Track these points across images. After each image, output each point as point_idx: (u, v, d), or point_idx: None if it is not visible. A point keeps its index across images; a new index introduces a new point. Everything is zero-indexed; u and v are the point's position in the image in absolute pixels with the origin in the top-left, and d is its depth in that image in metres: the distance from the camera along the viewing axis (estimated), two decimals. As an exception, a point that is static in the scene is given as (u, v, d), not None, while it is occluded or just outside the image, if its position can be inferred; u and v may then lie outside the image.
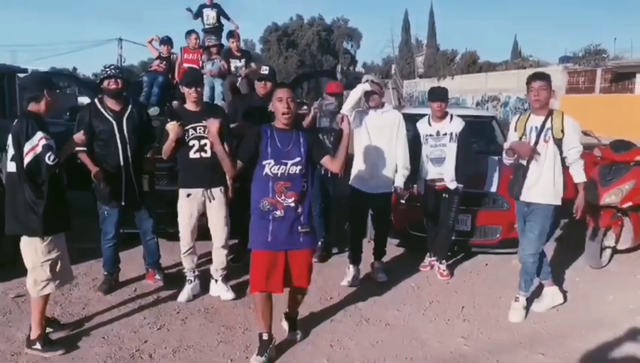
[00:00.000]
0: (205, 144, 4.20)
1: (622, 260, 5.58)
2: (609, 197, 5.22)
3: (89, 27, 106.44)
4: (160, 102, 6.70)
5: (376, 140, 4.73)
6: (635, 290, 4.83)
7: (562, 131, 3.96)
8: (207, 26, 7.64)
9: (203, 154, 4.22)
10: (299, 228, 3.39)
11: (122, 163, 4.35)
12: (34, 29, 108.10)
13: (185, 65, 6.97)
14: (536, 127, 4.04)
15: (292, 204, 3.36)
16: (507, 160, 4.23)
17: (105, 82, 4.28)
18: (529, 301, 4.32)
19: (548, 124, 4.00)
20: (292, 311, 3.82)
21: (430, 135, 4.97)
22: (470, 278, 5.10)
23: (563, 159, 4.05)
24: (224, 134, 3.63)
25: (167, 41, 7.20)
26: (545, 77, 4.02)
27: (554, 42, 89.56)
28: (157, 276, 4.77)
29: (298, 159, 3.37)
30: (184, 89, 4.30)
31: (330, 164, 3.50)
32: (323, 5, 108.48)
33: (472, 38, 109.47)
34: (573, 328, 4.02)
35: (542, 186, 4.04)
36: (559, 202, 4.08)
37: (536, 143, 4.02)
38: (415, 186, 5.10)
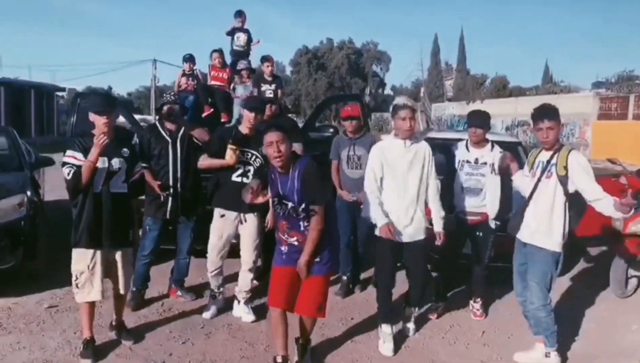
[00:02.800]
0: (249, 171, 4.35)
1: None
2: (635, 226, 5.18)
3: (124, 48, 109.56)
4: (192, 121, 6.89)
5: (409, 178, 3.98)
6: (661, 320, 4.76)
7: (565, 167, 3.64)
8: (236, 47, 7.86)
9: (245, 180, 4.31)
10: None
11: (171, 179, 4.61)
12: (72, 49, 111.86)
13: (213, 82, 7.24)
14: (542, 162, 3.79)
15: (295, 243, 3.46)
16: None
17: (165, 108, 4.69)
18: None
19: (554, 160, 3.73)
20: (302, 337, 3.72)
21: (467, 161, 4.55)
22: (491, 303, 5.09)
23: (567, 201, 3.71)
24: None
25: (189, 58, 7.38)
26: (554, 116, 3.69)
27: (586, 67, 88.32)
28: (179, 293, 4.92)
29: (292, 204, 3.40)
30: (245, 112, 4.44)
31: (315, 219, 3.35)
32: (353, 29, 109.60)
33: (502, 63, 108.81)
34: (595, 357, 3.99)
35: (536, 226, 3.76)
36: (556, 249, 3.71)
37: (539, 178, 3.77)
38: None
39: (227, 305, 4.63)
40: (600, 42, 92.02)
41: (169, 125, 4.71)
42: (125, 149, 3.83)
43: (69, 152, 3.65)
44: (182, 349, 3.95)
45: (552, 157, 3.74)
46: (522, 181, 3.98)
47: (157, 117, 4.91)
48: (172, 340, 4.08)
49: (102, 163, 3.64)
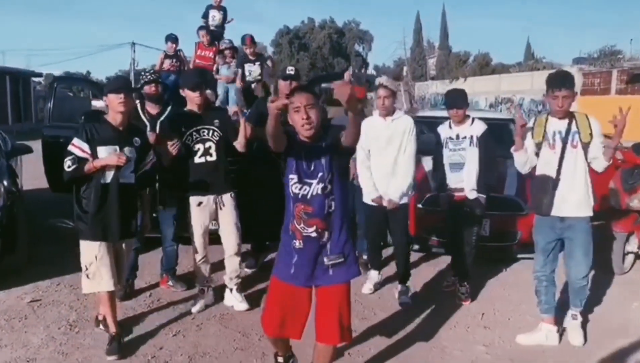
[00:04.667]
0: (210, 147, 4.13)
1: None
2: (632, 201, 5.10)
3: (101, 31, 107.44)
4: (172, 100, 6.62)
5: (386, 152, 4.43)
6: (660, 296, 4.71)
7: (591, 134, 3.58)
8: (212, 27, 7.58)
9: (208, 158, 4.14)
10: (325, 260, 2.74)
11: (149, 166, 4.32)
12: (48, 33, 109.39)
13: (198, 61, 6.97)
14: (560, 132, 3.64)
15: (314, 234, 2.72)
16: (518, 155, 3.75)
17: (146, 87, 4.41)
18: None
19: (574, 128, 3.62)
20: None
21: (450, 138, 4.60)
22: (489, 284, 5.00)
23: (588, 164, 3.66)
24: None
25: (174, 39, 7.06)
26: (571, 84, 3.58)
27: (568, 43, 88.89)
28: (170, 283, 4.74)
29: (321, 174, 2.72)
30: (187, 93, 4.17)
31: (346, 137, 2.68)
32: (334, 8, 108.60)
33: (484, 40, 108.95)
34: (596, 337, 3.91)
35: (576, 197, 3.63)
36: (591, 213, 3.69)
37: (563, 149, 3.61)
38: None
39: (216, 298, 4.45)
40: (581, 17, 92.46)
41: (150, 107, 4.47)
42: (136, 138, 3.66)
43: (75, 140, 3.49)
44: (172, 342, 3.78)
45: (570, 125, 3.62)
46: (523, 158, 3.75)
47: (137, 99, 4.56)
48: (162, 333, 3.91)
49: (112, 150, 3.49)
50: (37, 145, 6.27)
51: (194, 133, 4.14)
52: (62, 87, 6.60)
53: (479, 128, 4.56)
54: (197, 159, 4.17)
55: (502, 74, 32.77)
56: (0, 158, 5.57)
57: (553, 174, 3.65)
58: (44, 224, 6.44)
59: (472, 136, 4.53)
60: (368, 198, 4.54)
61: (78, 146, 3.45)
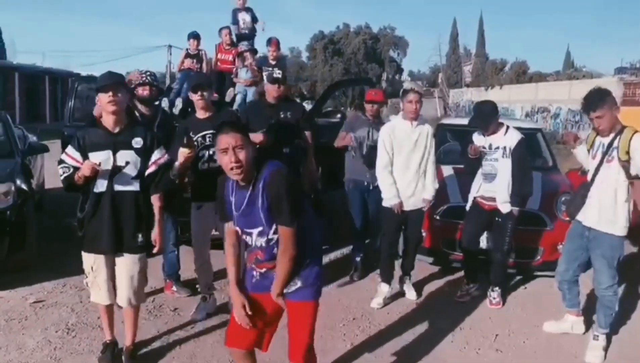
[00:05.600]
0: (214, 154, 3.92)
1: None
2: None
3: (139, 34, 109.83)
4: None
5: (412, 157, 4.46)
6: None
7: (628, 152, 3.50)
8: (242, 31, 7.45)
9: (212, 164, 3.94)
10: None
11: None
12: (87, 35, 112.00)
13: (219, 65, 6.84)
14: (603, 145, 3.67)
15: (266, 272, 2.62)
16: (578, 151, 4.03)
17: (140, 89, 4.20)
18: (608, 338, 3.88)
19: (615, 143, 3.58)
20: None
21: (483, 147, 4.51)
22: (505, 303, 4.71)
23: (630, 184, 3.62)
24: None
25: (195, 36, 6.79)
26: (600, 103, 3.55)
27: (609, 52, 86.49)
28: (174, 288, 4.63)
29: (260, 228, 2.52)
30: (191, 95, 4.06)
31: (281, 242, 2.50)
32: (370, 14, 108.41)
33: (522, 48, 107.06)
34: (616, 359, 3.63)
35: (598, 211, 3.66)
36: (622, 233, 3.64)
37: (600, 161, 3.66)
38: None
39: (219, 307, 4.30)
40: (623, 26, 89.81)
41: (144, 109, 4.26)
42: (137, 139, 3.27)
43: (68, 148, 3.27)
44: (169, 351, 3.67)
45: (613, 140, 3.61)
46: (583, 156, 3.95)
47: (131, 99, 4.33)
48: (159, 342, 3.79)
49: (104, 162, 3.18)
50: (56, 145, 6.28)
51: (200, 139, 4.02)
52: (85, 88, 6.59)
53: (514, 139, 4.43)
54: (202, 166, 4.04)
55: (539, 82, 31.99)
56: (15, 156, 5.59)
57: (588, 183, 3.76)
58: (60, 223, 6.44)
59: (505, 147, 4.42)
60: (389, 203, 4.48)
61: (70, 155, 3.23)
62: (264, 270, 2.63)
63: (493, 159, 4.46)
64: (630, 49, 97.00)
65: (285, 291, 2.58)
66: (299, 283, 2.58)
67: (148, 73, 4.28)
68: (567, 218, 4.17)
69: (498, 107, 4.65)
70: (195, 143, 3.96)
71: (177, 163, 3.77)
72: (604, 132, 3.63)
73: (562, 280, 3.98)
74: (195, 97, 4.02)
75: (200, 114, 4.10)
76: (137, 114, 4.23)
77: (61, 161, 3.27)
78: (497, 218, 4.51)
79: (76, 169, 3.19)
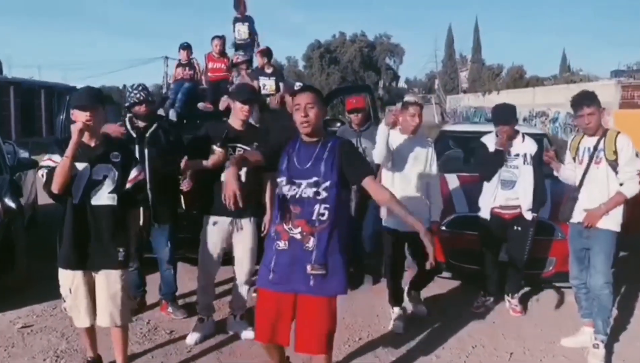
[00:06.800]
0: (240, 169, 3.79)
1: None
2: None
3: (135, 45, 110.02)
4: (183, 107, 6.39)
5: (412, 171, 4.09)
6: None
7: (615, 152, 3.60)
8: (238, 41, 7.31)
9: None
10: (308, 267, 2.67)
11: None
12: (82, 48, 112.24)
13: (210, 75, 6.73)
14: (589, 149, 3.74)
15: (298, 237, 2.69)
16: (561, 173, 4.04)
17: (136, 108, 4.08)
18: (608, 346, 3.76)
19: (601, 145, 3.67)
20: None
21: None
22: (519, 318, 4.50)
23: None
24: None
25: (186, 47, 6.76)
26: (594, 101, 3.68)
27: (605, 55, 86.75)
28: (170, 309, 4.40)
29: (315, 179, 2.69)
30: (237, 104, 3.90)
31: (376, 190, 2.80)
32: (366, 22, 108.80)
33: (518, 53, 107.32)
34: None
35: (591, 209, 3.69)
36: (616, 228, 3.67)
37: (588, 165, 3.72)
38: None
39: (216, 329, 4.08)
40: (619, 29, 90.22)
41: (140, 123, 4.15)
42: (115, 153, 3.21)
43: (45, 156, 3.19)
44: (164, 378, 3.45)
45: (598, 142, 3.68)
46: (569, 172, 3.95)
47: (126, 114, 4.31)
48: (153, 367, 3.58)
49: (81, 175, 3.11)
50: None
51: (230, 149, 3.84)
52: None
53: (532, 146, 4.46)
54: (223, 178, 3.82)
55: (536, 87, 31.92)
56: (4, 173, 5.38)
57: (574, 188, 3.84)
58: (53, 241, 6.21)
59: (525, 154, 4.40)
60: (395, 224, 4.00)
61: (49, 159, 3.15)
62: (298, 230, 2.69)
63: (513, 166, 4.40)
64: (626, 52, 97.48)
65: (311, 272, 2.67)
66: (321, 271, 2.67)
67: (141, 88, 4.12)
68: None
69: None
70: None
71: (205, 162, 3.81)
72: (591, 131, 3.69)
73: (579, 284, 3.88)
74: (243, 108, 3.87)
75: (237, 124, 3.92)
76: (129, 129, 4.10)
77: (41, 167, 3.16)
78: (516, 227, 4.43)
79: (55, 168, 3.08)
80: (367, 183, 2.74)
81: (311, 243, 2.68)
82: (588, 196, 3.72)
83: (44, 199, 7.36)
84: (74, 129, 3.02)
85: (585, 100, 3.68)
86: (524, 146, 4.42)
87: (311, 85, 3.26)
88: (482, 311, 4.53)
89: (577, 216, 3.78)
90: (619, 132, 3.69)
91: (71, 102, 3.18)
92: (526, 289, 5.03)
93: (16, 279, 4.80)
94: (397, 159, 4.09)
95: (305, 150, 2.77)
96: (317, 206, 2.68)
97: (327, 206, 2.68)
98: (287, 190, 2.73)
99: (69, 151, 3.00)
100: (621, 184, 3.62)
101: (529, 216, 4.40)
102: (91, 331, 3.34)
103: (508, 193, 4.40)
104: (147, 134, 4.10)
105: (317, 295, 2.69)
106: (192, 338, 3.92)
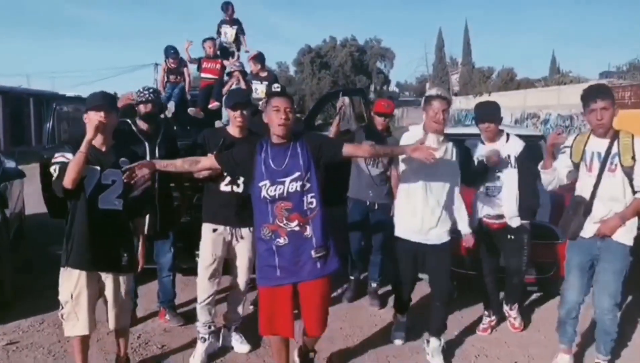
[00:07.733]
0: (238, 177, 3.65)
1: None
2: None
3: (124, 52, 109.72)
4: (179, 101, 6.54)
5: (434, 176, 3.56)
6: None
7: (634, 157, 3.16)
8: (224, 44, 7.21)
9: (235, 188, 3.67)
10: (312, 252, 2.94)
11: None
12: (72, 56, 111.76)
13: (203, 75, 6.70)
14: (599, 153, 3.26)
15: (297, 229, 2.93)
16: (545, 174, 3.54)
17: (142, 106, 4.05)
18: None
19: (614, 149, 3.22)
20: (306, 348, 3.37)
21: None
22: (525, 324, 4.38)
23: (634, 191, 3.25)
24: None
25: (172, 53, 6.69)
26: (608, 94, 3.23)
27: (594, 57, 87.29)
28: (168, 317, 4.35)
29: (297, 173, 2.94)
30: (229, 112, 3.81)
31: (356, 149, 3.29)
32: (356, 27, 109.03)
33: (508, 55, 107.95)
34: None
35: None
36: (630, 242, 3.30)
37: (600, 172, 3.25)
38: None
39: (218, 342, 3.92)
40: (607, 30, 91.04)
41: (143, 126, 4.08)
42: (124, 159, 3.21)
43: (57, 153, 3.17)
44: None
45: (611, 146, 3.23)
46: (549, 177, 3.52)
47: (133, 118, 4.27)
48: (145, 385, 3.44)
49: (91, 178, 3.12)
50: (33, 168, 5.91)
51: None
52: (65, 109, 6.32)
53: (517, 146, 4.03)
54: (223, 187, 3.71)
55: (527, 89, 32.02)
56: (-12, 184, 5.21)
57: (587, 199, 3.31)
58: (43, 252, 6.06)
59: (509, 156, 3.99)
60: (411, 235, 3.67)
61: (61, 155, 3.11)
62: (294, 223, 2.92)
63: (497, 170, 3.98)
64: (615, 53, 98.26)
65: (316, 255, 2.95)
66: (321, 252, 2.96)
67: (151, 90, 4.14)
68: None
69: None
70: None
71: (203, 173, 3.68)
72: (603, 129, 3.23)
73: (574, 306, 3.46)
74: (235, 115, 3.73)
75: (235, 132, 3.78)
76: (135, 130, 4.07)
77: (53, 163, 3.12)
78: (509, 236, 4.04)
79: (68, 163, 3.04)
80: (347, 149, 3.08)
81: (309, 230, 2.94)
82: (605, 210, 3.27)
83: (32, 209, 7.24)
84: (90, 126, 3.04)
85: (599, 93, 3.23)
86: (507, 147, 4.01)
87: (285, 91, 3.79)
88: (489, 330, 4.26)
89: (589, 231, 3.34)
90: (633, 135, 3.24)
91: (86, 104, 3.19)
92: (530, 296, 4.92)
93: (2, 295, 4.63)
94: (420, 165, 3.36)
95: (278, 151, 3.00)
96: (305, 197, 2.94)
97: (313, 194, 2.96)
98: (273, 191, 2.94)
99: (83, 146, 3.00)
100: (634, 193, 3.24)
101: (514, 223, 3.99)
102: (85, 341, 3.28)
103: (492, 201, 4.02)
104: (158, 139, 4.07)
105: (322, 276, 2.98)
106: (195, 360, 3.71)
